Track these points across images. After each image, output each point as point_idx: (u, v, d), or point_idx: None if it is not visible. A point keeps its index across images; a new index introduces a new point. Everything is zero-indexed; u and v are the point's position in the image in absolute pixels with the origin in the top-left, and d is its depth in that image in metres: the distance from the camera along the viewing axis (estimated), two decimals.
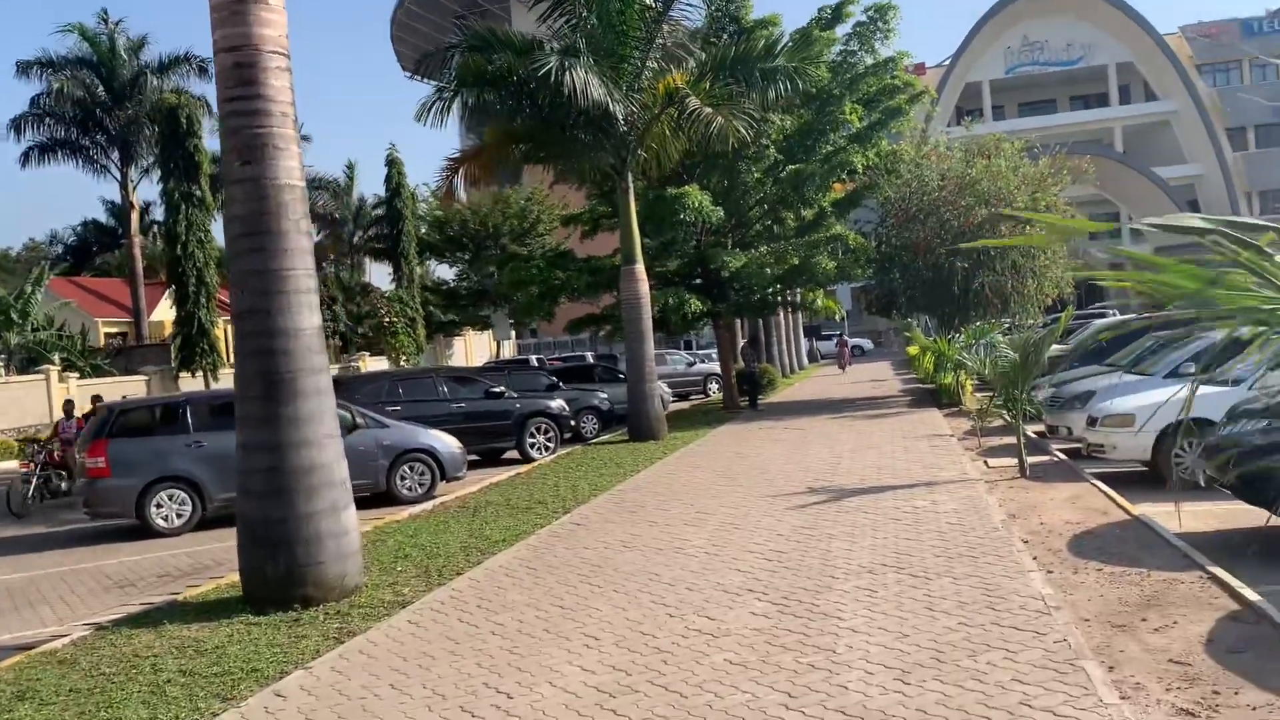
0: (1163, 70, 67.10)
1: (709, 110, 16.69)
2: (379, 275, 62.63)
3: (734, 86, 17.60)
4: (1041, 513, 9.29)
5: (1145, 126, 68.55)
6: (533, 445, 17.63)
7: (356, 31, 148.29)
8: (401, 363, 45.01)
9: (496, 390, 17.52)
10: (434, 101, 16.89)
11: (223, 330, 35.11)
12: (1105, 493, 9.87)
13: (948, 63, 68.59)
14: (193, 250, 32.52)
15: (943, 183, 23.39)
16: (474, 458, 17.54)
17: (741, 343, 27.73)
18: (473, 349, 57.76)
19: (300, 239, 7.75)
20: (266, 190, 7.55)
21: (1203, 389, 11.09)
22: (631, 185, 18.80)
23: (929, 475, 11.72)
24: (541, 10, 17.91)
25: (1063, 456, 12.50)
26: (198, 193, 32.40)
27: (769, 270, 23.13)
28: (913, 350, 33.05)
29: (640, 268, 18.70)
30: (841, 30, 24.42)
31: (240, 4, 7.47)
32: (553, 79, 15.97)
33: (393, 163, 50.70)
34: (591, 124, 18.04)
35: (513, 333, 58.92)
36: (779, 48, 18.85)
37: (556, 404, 18.21)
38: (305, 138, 47.70)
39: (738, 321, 31.43)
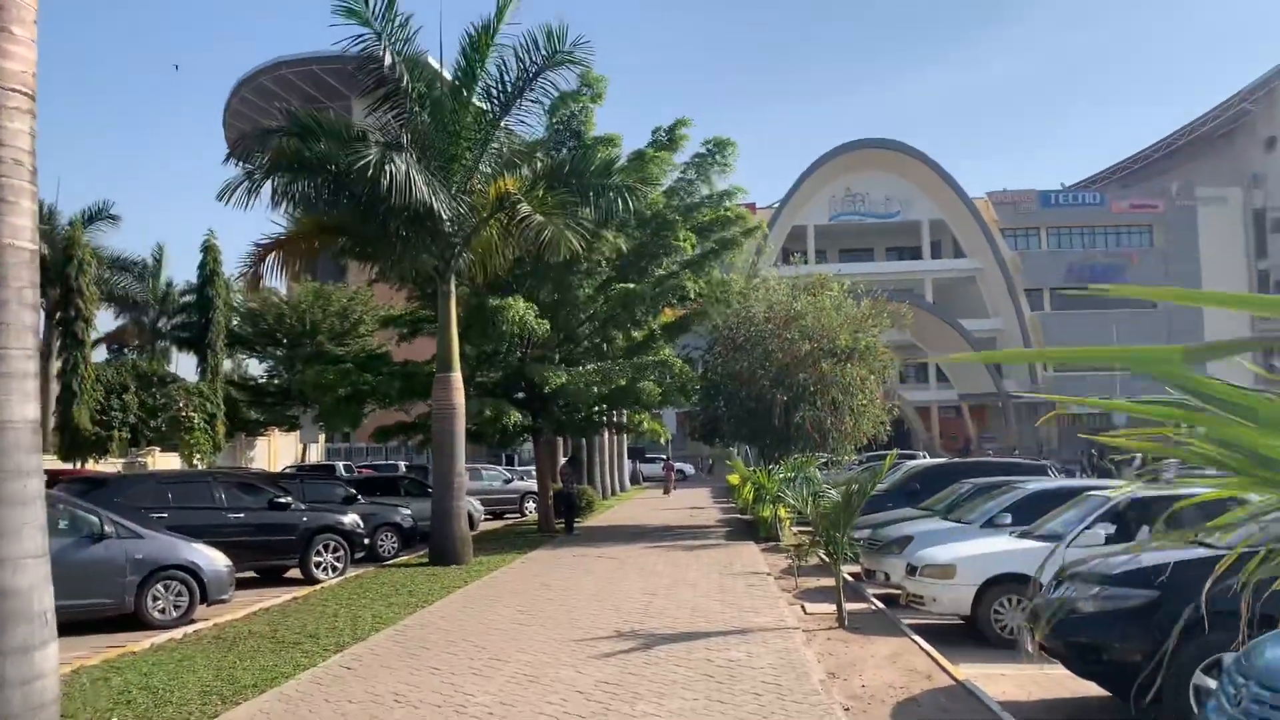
0: (970, 230, 72.35)
1: (540, 218, 16.07)
2: (185, 366, 58.82)
3: (568, 197, 17.10)
4: (862, 672, 8.58)
5: (953, 280, 73.33)
6: (319, 565, 15.91)
7: (189, 113, 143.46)
8: (195, 461, 41.67)
9: (281, 500, 15.79)
10: (241, 183, 15.58)
11: None
12: (928, 653, 9.29)
13: (776, 205, 71.87)
14: None
15: (769, 315, 23.56)
16: (250, 575, 15.76)
17: (561, 461, 26.71)
18: (277, 451, 54.42)
19: (22, 313, 6.36)
20: None
21: (1022, 543, 10.87)
22: (454, 290, 17.84)
23: (745, 620, 10.92)
24: (371, 102, 17.04)
25: (881, 605, 11.99)
26: None
27: (595, 389, 22.43)
28: (733, 479, 32.88)
29: (457, 376, 17.60)
30: (680, 158, 24.67)
31: None
32: (372, 172, 15.00)
33: (208, 249, 48.13)
34: (415, 222, 17.09)
35: (321, 436, 56.01)
36: (615, 165, 18.58)
37: (350, 519, 16.61)
38: (113, 217, 44.49)
39: (560, 439, 30.51)
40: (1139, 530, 10.36)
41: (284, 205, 16.12)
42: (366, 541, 17.08)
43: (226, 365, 52.77)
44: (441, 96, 17.11)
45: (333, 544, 16.10)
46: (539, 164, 18.23)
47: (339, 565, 16.12)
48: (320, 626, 10.94)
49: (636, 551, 18.82)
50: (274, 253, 17.62)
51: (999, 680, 8.55)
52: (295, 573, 15.89)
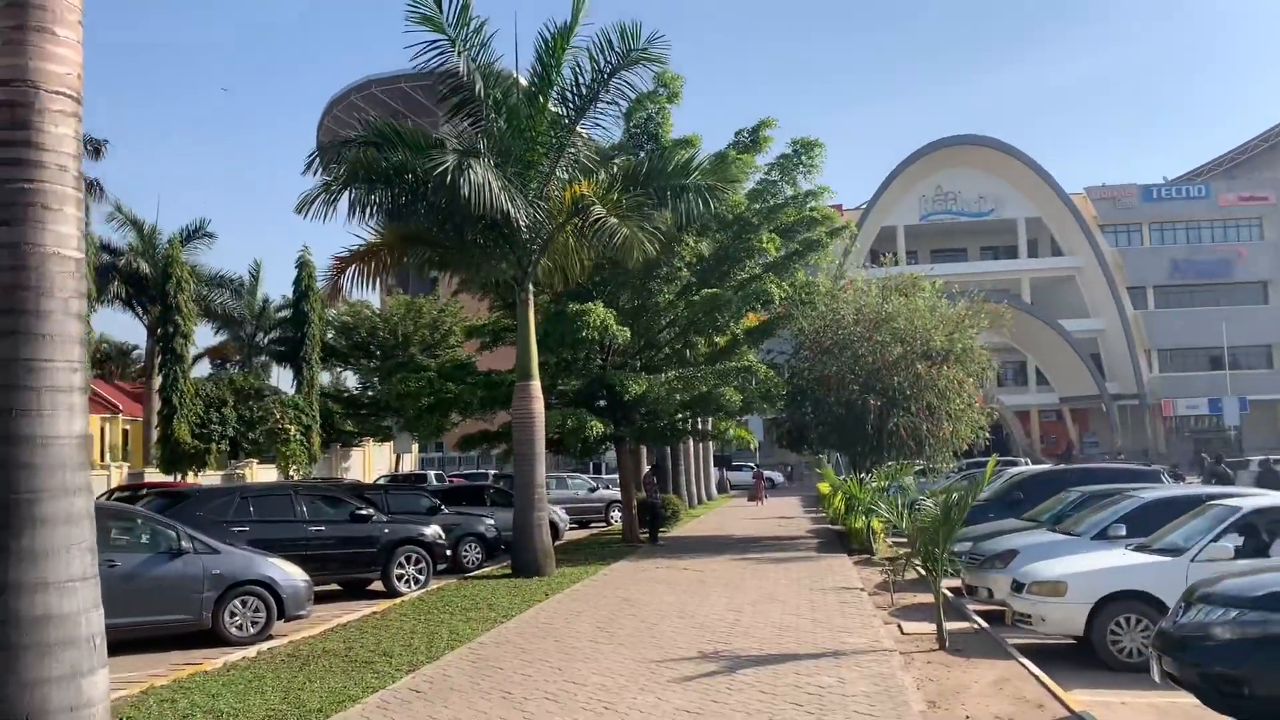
0: (1068, 227, 69.70)
1: (614, 221, 15.63)
2: (284, 380, 60.42)
3: (645, 199, 16.64)
4: (966, 701, 7.87)
5: (1051, 280, 70.74)
6: (400, 577, 15.70)
7: (287, 130, 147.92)
8: (291, 473, 42.53)
9: (363, 513, 15.63)
10: (318, 194, 15.51)
11: None
12: (1038, 678, 8.50)
13: (864, 206, 70.31)
14: None
15: (858, 317, 22.73)
16: (335, 588, 15.65)
17: (645, 470, 26.24)
18: (372, 461, 55.31)
19: (68, 324, 6.13)
20: (26, 259, 5.97)
21: (1140, 557, 9.97)
22: (532, 297, 17.52)
23: (837, 641, 10.25)
24: (448, 110, 16.86)
25: (984, 625, 11.17)
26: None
27: (676, 396, 21.92)
28: (823, 488, 31.97)
29: (536, 385, 17.27)
30: (764, 160, 24.04)
31: (18, 30, 6.03)
32: (449, 179, 14.77)
33: (303, 265, 49.38)
34: (492, 230, 16.86)
35: (415, 446, 56.77)
36: (694, 166, 18.04)
37: (431, 530, 16.38)
38: (209, 234, 45.75)
39: (644, 447, 30.08)
40: (1274, 544, 9.40)
41: (361, 216, 16.00)
42: (449, 553, 16.83)
43: (325, 379, 53.87)
44: (517, 103, 16.83)
45: (414, 556, 15.88)
46: (616, 168, 17.80)
47: (420, 578, 15.89)
48: (395, 644, 10.63)
49: (722, 564, 18.21)
50: (354, 265, 17.56)
51: (1118, 710, 7.76)
52: (378, 585, 15.71)
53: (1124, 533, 11.63)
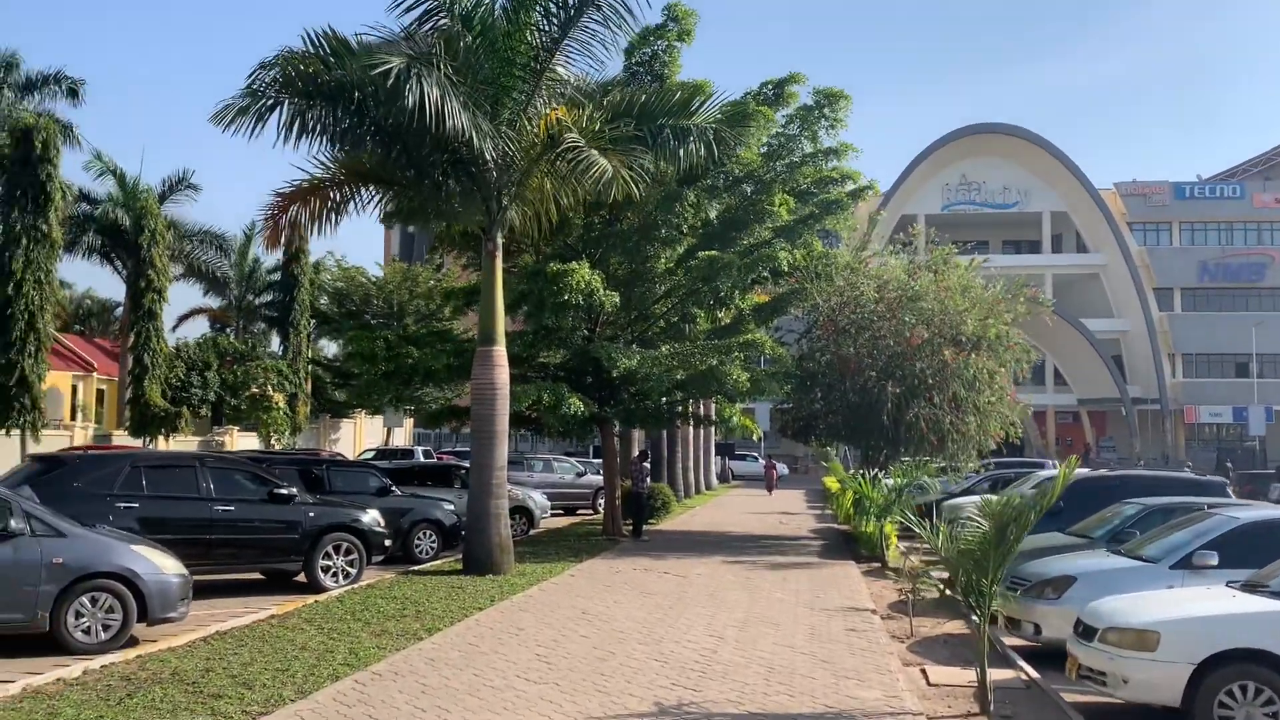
0: (1095, 223, 66.89)
1: (594, 154, 13.08)
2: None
3: (633, 134, 14.09)
4: None
5: (1075, 277, 67.98)
6: (326, 569, 13.24)
7: None
8: (273, 442, 40.32)
9: (283, 492, 13.14)
10: (243, 105, 12.92)
11: (55, 384, 30.15)
12: None
13: (886, 192, 67.53)
14: (28, 290, 27.92)
15: (880, 295, 20.15)
16: (257, 577, 13.27)
17: (633, 455, 23.70)
18: (363, 434, 53.12)
19: None
20: None
21: (1258, 602, 7.43)
22: (500, 249, 14.98)
23: (843, 695, 7.75)
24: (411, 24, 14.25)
25: (1034, 675, 8.63)
26: (44, 227, 28.06)
27: (671, 374, 19.33)
28: (830, 483, 29.44)
29: (500, 351, 14.77)
30: (781, 114, 21.38)
31: None
32: (393, 86, 12.25)
33: (293, 225, 47.05)
34: (457, 166, 14.33)
35: (409, 419, 54.52)
36: (698, 105, 15.42)
37: (369, 516, 13.91)
38: (194, 186, 43.23)
39: (635, 432, 27.61)
40: None
41: (295, 139, 13.43)
42: (388, 543, 14.34)
43: (331, 349, 51.69)
44: (493, 17, 14.22)
45: (345, 545, 13.43)
46: (606, 103, 15.16)
47: (351, 571, 13.45)
48: (269, 667, 8.17)
49: (710, 567, 15.73)
50: (298, 204, 15.07)
51: None
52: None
53: (1215, 562, 9.11)
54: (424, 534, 16.91)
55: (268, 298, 50.94)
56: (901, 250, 22.69)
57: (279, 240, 15.65)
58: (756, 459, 59.93)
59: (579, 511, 28.75)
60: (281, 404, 41.01)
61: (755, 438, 51.44)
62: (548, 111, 13.89)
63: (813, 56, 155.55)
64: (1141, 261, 65.56)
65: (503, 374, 14.68)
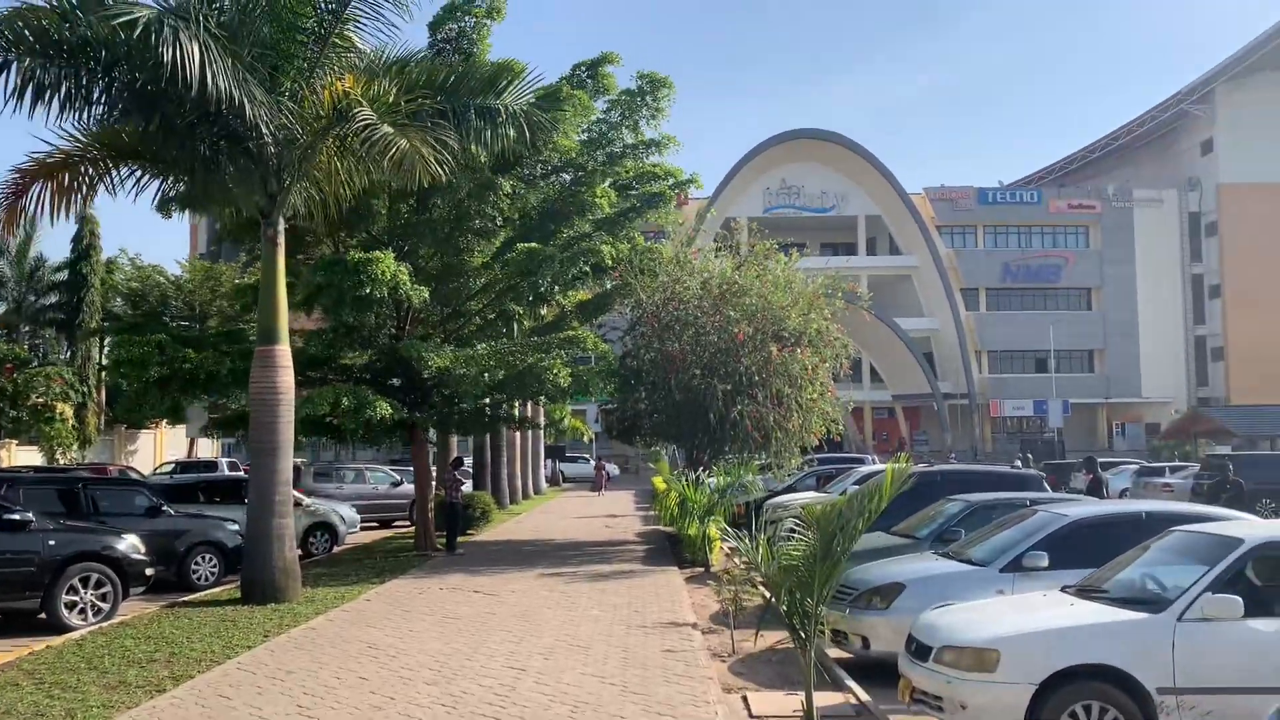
0: (907, 226, 69.54)
1: (389, 130, 11.72)
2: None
3: (434, 109, 12.78)
4: None
5: (889, 278, 70.41)
6: (72, 606, 11.35)
7: None
8: (58, 457, 36.51)
9: (14, 517, 11.17)
10: None
11: None
12: None
13: (709, 197, 68.08)
14: None
15: (705, 290, 19.50)
16: None
17: (449, 463, 22.20)
18: (164, 446, 49.09)
19: None
20: None
21: (1100, 611, 6.74)
22: (281, 234, 13.34)
23: None
24: None
25: (865, 698, 7.88)
26: None
27: (487, 375, 18.01)
28: (658, 483, 28.79)
29: (284, 351, 13.14)
30: (602, 102, 20.39)
31: None
32: (155, 53, 10.54)
33: (85, 220, 43.28)
34: (232, 141, 12.64)
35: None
36: (506, 84, 14.21)
37: (125, 543, 12.03)
38: None
39: (456, 438, 26.11)
40: None
41: (28, 105, 11.42)
42: (150, 572, 12.44)
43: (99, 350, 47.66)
44: None
45: (95, 577, 11.55)
46: (404, 76, 13.73)
47: (104, 606, 11.58)
48: None
49: (526, 582, 14.56)
50: (43, 181, 12.96)
51: None
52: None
53: (1045, 564, 8.67)
54: (203, 558, 15.05)
55: (54, 299, 46.56)
56: (724, 248, 22.17)
57: (16, 223, 13.41)
58: (588, 461, 59.10)
59: (395, 524, 27.01)
60: (68, 415, 37.25)
61: (586, 439, 50.36)
62: (335, 81, 12.37)
63: (640, 61, 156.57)
64: (950, 263, 68.54)
65: (286, 376, 13.05)
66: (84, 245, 42.83)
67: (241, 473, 32.86)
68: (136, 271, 46.53)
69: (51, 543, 11.34)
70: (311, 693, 7.92)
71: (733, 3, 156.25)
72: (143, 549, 12.21)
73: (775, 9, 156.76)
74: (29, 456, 36.51)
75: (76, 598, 11.41)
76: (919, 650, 6.97)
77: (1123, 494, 28.21)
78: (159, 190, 14.36)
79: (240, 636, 10.29)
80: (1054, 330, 65.14)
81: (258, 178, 12.90)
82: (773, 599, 6.98)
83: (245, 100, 11.55)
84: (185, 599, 13.15)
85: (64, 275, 44.73)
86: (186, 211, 17.54)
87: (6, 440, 38.32)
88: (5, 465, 33.83)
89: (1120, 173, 76.13)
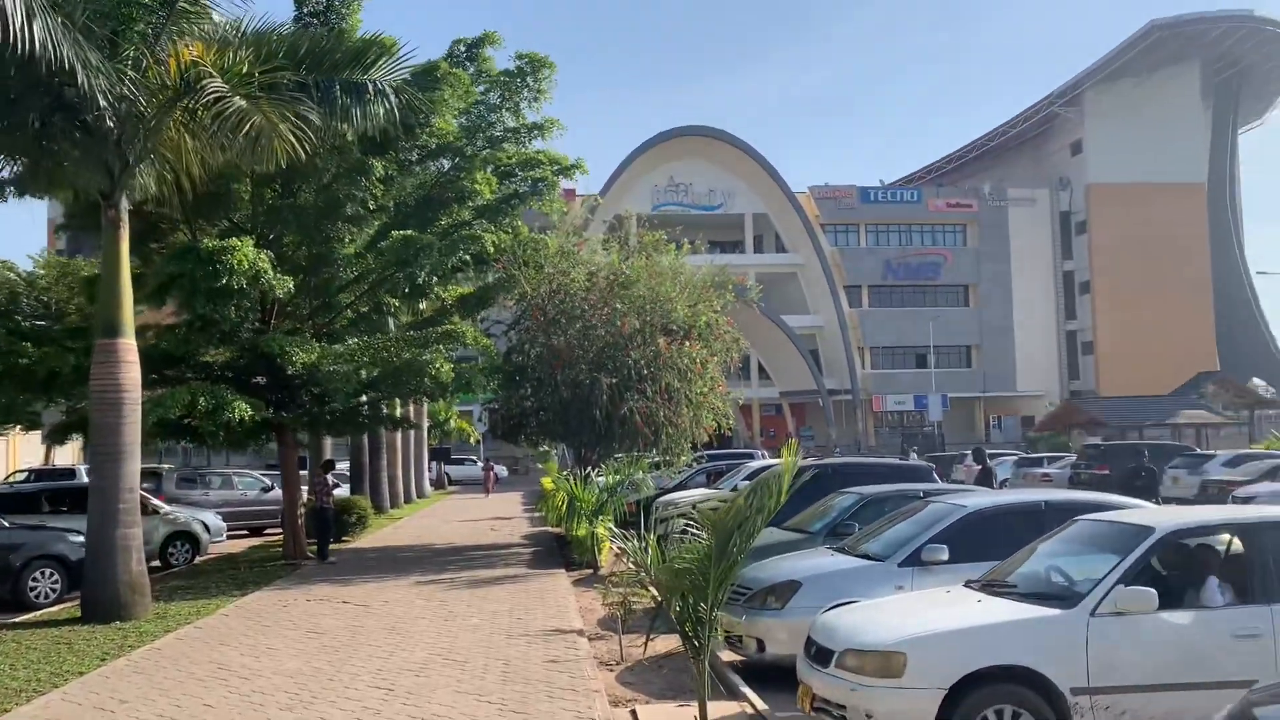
0: (792, 224, 70.30)
1: (242, 104, 10.71)
2: None
3: (293, 81, 11.78)
4: None
5: (776, 276, 70.97)
6: None
7: None
8: None
9: None
10: None
11: None
12: None
13: (597, 195, 67.56)
14: None
15: (592, 282, 18.85)
16: None
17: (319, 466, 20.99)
18: (16, 452, 45.77)
19: None
20: None
21: (1009, 607, 6.25)
22: (124, 217, 12.13)
23: None
24: None
25: (762, 707, 7.35)
26: None
27: (362, 372, 16.96)
28: (547, 484, 28.03)
29: (128, 344, 11.94)
30: (481, 85, 19.52)
31: None
32: None
33: None
34: (66, 114, 11.40)
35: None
36: (375, 58, 13.27)
37: None
38: None
39: (331, 440, 24.82)
40: (1204, 584, 6.23)
41: None
42: None
43: None
44: None
45: None
46: (267, 48, 12.65)
47: None
48: None
49: (401, 591, 13.67)
50: None
51: None
52: None
53: (945, 557, 8.33)
54: (41, 574, 13.62)
55: None
56: (613, 239, 21.54)
57: None
58: (475, 462, 57.71)
59: (267, 532, 25.54)
60: None
61: (473, 440, 48.90)
62: (182, 49, 11.26)
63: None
64: (834, 261, 69.59)
65: (131, 372, 11.87)
66: None
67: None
68: None
69: None
70: None
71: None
72: None
73: (659, 4, 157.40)
74: None
75: None
76: (819, 654, 6.47)
77: (1003, 484, 28.74)
78: None
79: (74, 661, 9.17)
80: (933, 327, 66.78)
81: (96, 155, 11.68)
82: (663, 603, 6.38)
83: (80, 66, 10.38)
84: (16, 620, 11.82)
85: None
86: (25, 197, 15.98)
87: None
88: None
89: (995, 172, 78.67)
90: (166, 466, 43.51)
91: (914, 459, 25.79)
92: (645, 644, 8.69)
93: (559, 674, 8.35)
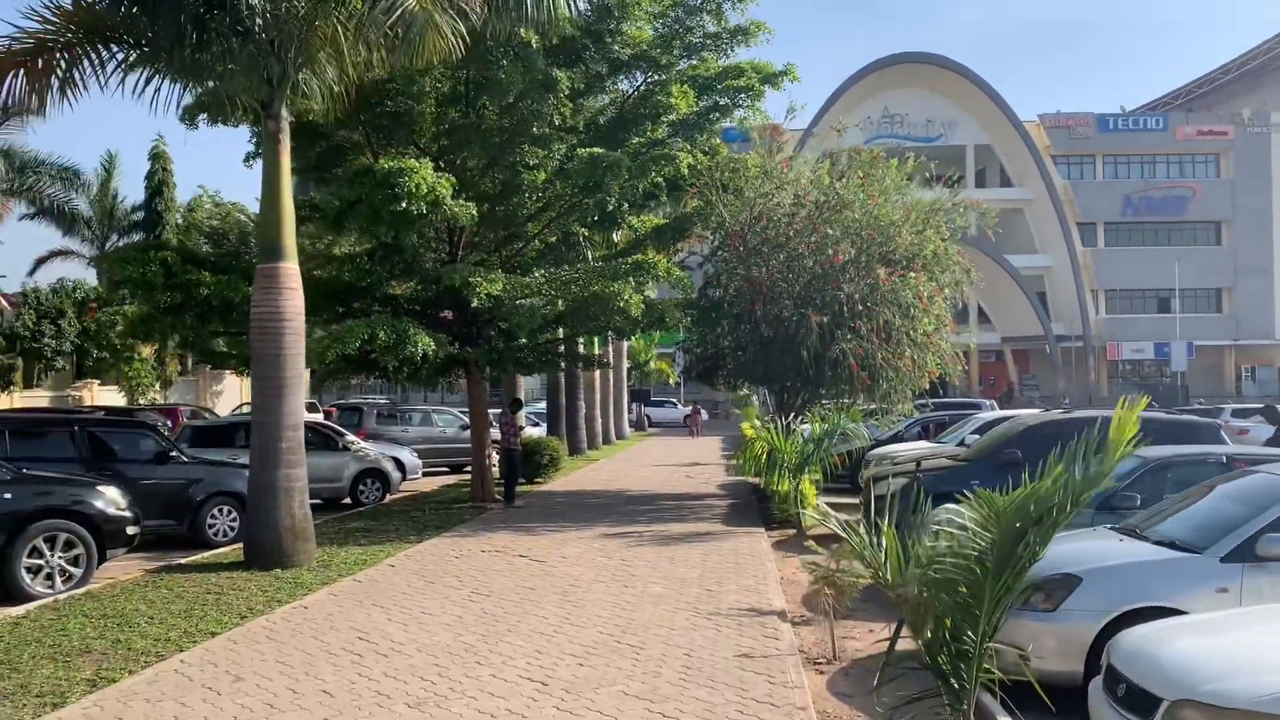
0: (1019, 156, 64.76)
1: None
2: None
3: None
4: None
5: (1000, 212, 65.77)
6: (36, 571, 9.50)
7: None
8: (138, 398, 35.95)
9: None
10: None
11: None
12: None
13: (806, 127, 64.35)
14: None
15: (797, 206, 16.72)
16: None
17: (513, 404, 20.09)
18: (247, 389, 48.60)
19: None
20: None
21: None
22: (285, 128, 11.12)
23: None
24: None
25: None
26: None
27: (548, 305, 15.67)
28: (748, 430, 26.29)
29: (290, 268, 10.99)
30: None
31: None
32: None
33: (157, 157, 42.74)
34: (219, 14, 10.41)
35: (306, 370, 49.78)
36: None
37: (105, 498, 10.13)
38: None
39: (525, 379, 24.06)
40: None
41: None
42: (133, 530, 10.51)
43: None
44: None
45: (62, 537, 9.69)
46: None
47: (76, 570, 9.73)
48: None
49: (583, 544, 12.32)
50: (14, 69, 10.99)
51: None
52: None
53: None
54: (220, 511, 13.15)
55: (135, 238, 46.03)
56: (825, 157, 19.16)
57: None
58: (675, 404, 56.86)
59: (465, 469, 25.24)
60: (147, 355, 36.51)
61: (672, 382, 47.79)
62: None
63: None
64: (1066, 196, 63.70)
65: (294, 300, 10.91)
66: (157, 181, 42.34)
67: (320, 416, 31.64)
68: (216, 209, 45.51)
69: (8, 496, 9.47)
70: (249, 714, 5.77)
71: None
72: (123, 503, 10.29)
73: None
74: (110, 397, 36.12)
75: (42, 561, 9.57)
76: (1132, 699, 4.40)
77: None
78: (155, 88, 12.21)
79: (213, 618, 8.25)
80: (1179, 267, 60.02)
81: (253, 60, 10.66)
82: (904, 619, 4.49)
83: None
84: (181, 561, 11.23)
85: (141, 215, 44.26)
86: (217, 125, 15.43)
87: (89, 380, 37.91)
88: (87, 405, 33.31)
89: (1256, 96, 69.22)
90: (382, 400, 44.82)
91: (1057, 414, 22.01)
92: (868, 633, 6.77)
93: (754, 675, 6.60)
